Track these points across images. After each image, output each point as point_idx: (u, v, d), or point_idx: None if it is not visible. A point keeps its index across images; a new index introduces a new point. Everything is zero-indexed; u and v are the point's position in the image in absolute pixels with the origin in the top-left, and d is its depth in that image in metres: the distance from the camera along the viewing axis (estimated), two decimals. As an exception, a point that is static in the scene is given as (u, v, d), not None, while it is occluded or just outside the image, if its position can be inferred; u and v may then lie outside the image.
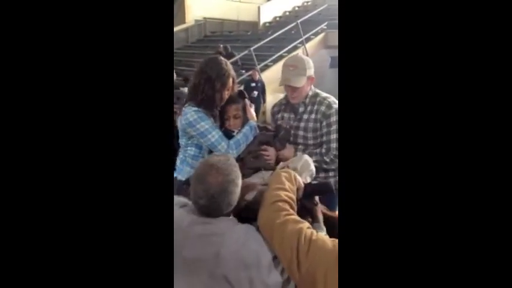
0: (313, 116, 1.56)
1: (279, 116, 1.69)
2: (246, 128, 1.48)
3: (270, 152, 1.46)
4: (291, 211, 0.90)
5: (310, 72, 1.53)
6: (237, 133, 1.48)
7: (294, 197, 0.95)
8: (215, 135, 1.40)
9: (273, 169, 1.48)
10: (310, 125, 1.56)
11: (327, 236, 0.84)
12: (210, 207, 0.90)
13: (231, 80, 1.44)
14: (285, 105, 1.67)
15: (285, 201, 0.92)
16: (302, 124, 1.58)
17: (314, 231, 0.84)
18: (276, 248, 0.86)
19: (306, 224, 0.87)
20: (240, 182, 0.95)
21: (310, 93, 1.59)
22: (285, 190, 0.94)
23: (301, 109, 1.60)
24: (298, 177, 1.04)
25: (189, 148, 1.53)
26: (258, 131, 1.49)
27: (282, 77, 1.53)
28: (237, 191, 0.94)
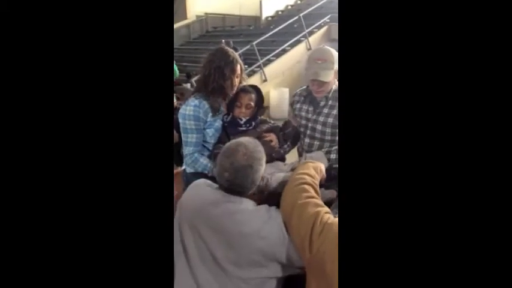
0: (334, 112, 1.50)
1: (298, 106, 1.63)
2: (209, 166, 1.45)
3: (272, 137, 1.46)
4: (314, 194, 0.93)
5: (337, 65, 1.45)
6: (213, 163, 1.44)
7: (318, 184, 1.00)
8: (193, 138, 1.45)
9: (283, 159, 1.47)
10: (330, 120, 1.50)
11: None
12: (234, 181, 0.94)
13: (239, 66, 1.47)
14: (305, 97, 1.61)
15: (310, 184, 0.95)
16: (321, 118, 1.52)
17: (332, 217, 0.86)
18: (292, 226, 0.88)
19: (325, 209, 0.89)
20: (264, 163, 0.99)
21: (334, 87, 1.52)
22: (310, 175, 0.99)
23: (322, 103, 1.53)
24: (323, 169, 1.09)
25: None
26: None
27: (310, 70, 1.45)
28: (261, 170, 0.98)
